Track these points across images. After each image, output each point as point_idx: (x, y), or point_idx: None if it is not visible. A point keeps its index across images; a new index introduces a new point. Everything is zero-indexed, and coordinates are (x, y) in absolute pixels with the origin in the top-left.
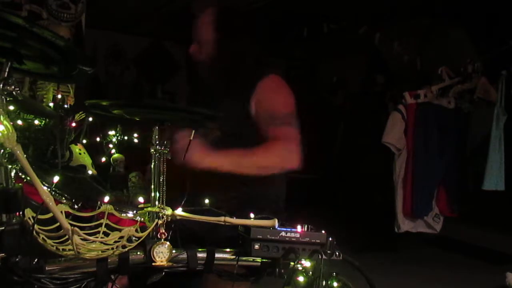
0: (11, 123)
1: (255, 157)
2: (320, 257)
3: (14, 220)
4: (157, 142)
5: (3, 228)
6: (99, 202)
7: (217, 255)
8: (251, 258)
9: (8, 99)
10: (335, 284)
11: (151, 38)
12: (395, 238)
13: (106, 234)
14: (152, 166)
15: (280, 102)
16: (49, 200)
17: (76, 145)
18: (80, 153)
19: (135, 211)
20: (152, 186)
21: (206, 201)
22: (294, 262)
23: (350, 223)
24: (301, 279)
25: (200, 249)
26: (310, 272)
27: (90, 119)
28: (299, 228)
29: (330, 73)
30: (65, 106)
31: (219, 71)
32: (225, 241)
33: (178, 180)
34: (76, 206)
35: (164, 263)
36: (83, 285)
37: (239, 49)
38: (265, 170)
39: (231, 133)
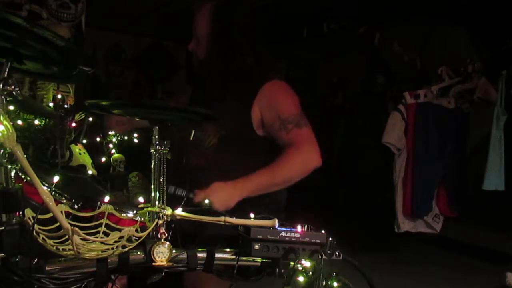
0: (11, 123)
1: (279, 172)
2: (320, 257)
3: (14, 220)
4: (157, 142)
5: (3, 228)
6: (99, 202)
7: (217, 255)
8: (251, 258)
9: (8, 99)
10: (335, 284)
11: (151, 38)
12: (395, 238)
13: (106, 234)
14: (152, 166)
15: (290, 106)
16: (49, 200)
17: (76, 145)
18: (80, 153)
19: (135, 211)
20: (152, 186)
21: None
22: (294, 262)
23: (350, 223)
24: (301, 279)
25: (200, 249)
26: (310, 272)
27: (90, 119)
28: (299, 228)
29: (330, 73)
30: (65, 106)
31: (216, 69)
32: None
33: None
34: (76, 206)
35: (164, 263)
36: (83, 285)
37: (237, 46)
38: (292, 180)
39: (229, 136)
